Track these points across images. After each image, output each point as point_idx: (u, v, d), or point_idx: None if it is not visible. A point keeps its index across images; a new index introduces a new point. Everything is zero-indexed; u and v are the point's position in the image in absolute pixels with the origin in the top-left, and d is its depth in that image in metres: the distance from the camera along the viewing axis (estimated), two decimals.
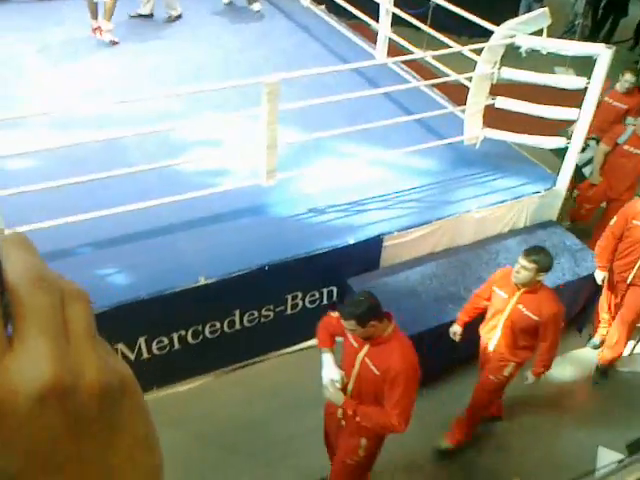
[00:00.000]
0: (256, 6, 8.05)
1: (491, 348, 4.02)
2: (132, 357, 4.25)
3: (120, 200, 4.46)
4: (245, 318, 4.58)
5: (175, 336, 4.35)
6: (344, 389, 3.31)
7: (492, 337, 3.99)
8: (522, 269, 3.68)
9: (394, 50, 7.16)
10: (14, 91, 6.03)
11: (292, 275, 4.57)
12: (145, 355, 4.30)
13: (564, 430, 4.65)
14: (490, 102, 5.34)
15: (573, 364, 5.12)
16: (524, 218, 5.36)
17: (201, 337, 4.46)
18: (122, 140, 4.88)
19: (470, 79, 5.45)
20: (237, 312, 4.52)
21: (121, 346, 4.18)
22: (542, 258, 3.68)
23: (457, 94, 6.06)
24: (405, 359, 3.11)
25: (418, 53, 6.33)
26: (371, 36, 7.56)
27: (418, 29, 6.76)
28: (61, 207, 4.43)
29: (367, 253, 4.83)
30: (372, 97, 5.95)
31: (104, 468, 0.43)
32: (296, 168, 5.10)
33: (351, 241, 4.67)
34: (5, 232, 4.13)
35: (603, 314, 5.15)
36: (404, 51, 6.81)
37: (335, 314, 3.32)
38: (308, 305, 4.80)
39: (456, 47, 5.81)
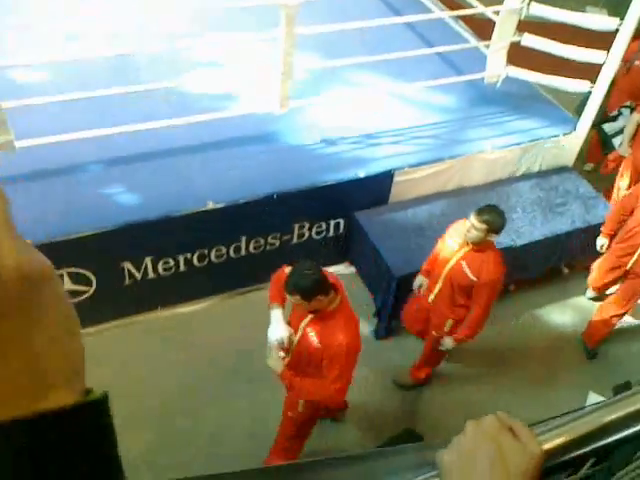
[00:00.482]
0: None
1: (431, 299, 3.90)
2: (138, 276, 4.32)
3: (130, 120, 4.41)
4: (251, 245, 4.61)
5: (181, 258, 4.39)
6: (288, 349, 3.18)
7: (434, 289, 3.87)
8: (472, 228, 3.53)
9: None
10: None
11: (300, 205, 4.56)
12: (151, 275, 4.36)
13: (555, 378, 4.73)
14: (516, 39, 5.14)
15: (574, 311, 5.16)
16: (539, 162, 5.27)
17: (207, 261, 4.51)
18: (134, 60, 4.77)
19: (497, 13, 5.23)
20: (243, 238, 4.54)
21: (128, 265, 4.24)
22: (494, 218, 3.52)
23: (483, 28, 5.84)
24: (348, 335, 2.98)
25: None
26: None
27: None
28: (71, 123, 4.39)
29: (377, 187, 4.79)
30: (394, 27, 5.75)
31: (27, 350, 0.45)
32: (310, 97, 4.99)
33: (361, 174, 4.63)
34: (16, 145, 4.12)
35: (594, 274, 4.95)
36: None
37: (288, 269, 3.08)
38: (314, 236, 4.82)
39: None
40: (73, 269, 4.07)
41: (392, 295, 4.31)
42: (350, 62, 5.00)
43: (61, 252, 3.93)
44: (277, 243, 4.70)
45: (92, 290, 4.22)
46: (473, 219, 3.52)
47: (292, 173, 4.61)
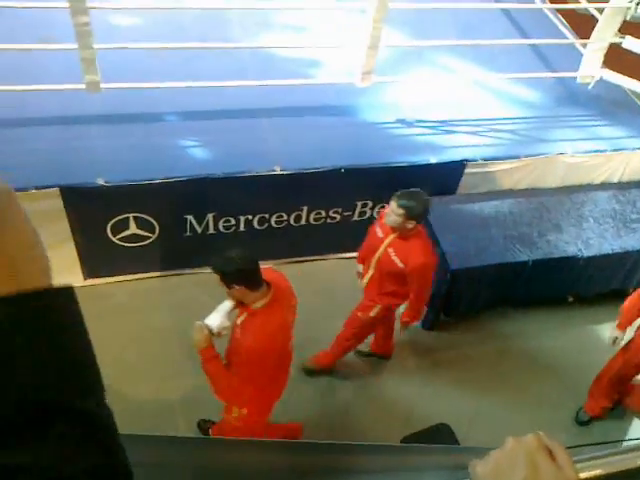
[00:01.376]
0: None
1: (364, 283, 3.82)
2: (199, 230, 4.41)
3: (213, 74, 4.47)
4: (312, 215, 4.62)
5: (242, 219, 4.45)
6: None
7: (366, 274, 3.78)
8: (391, 213, 3.41)
9: None
10: None
11: (366, 183, 4.53)
12: (211, 230, 4.45)
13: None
14: (617, 41, 4.89)
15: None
16: (620, 173, 5.04)
17: (267, 225, 4.55)
18: (225, 14, 4.80)
19: (601, 11, 4.98)
20: (305, 208, 4.56)
21: (190, 217, 4.33)
22: (413, 204, 3.37)
23: (582, 24, 5.58)
24: (261, 342, 2.81)
25: None
26: None
27: None
28: (157, 70, 4.48)
29: (446, 176, 4.70)
30: (489, 12, 5.57)
31: (3, 245, 0.56)
32: (393, 74, 4.91)
33: (432, 160, 4.55)
34: (101, 86, 4.24)
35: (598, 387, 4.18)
36: None
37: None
38: (375, 215, 4.78)
39: None
40: (139, 214, 4.19)
41: (445, 287, 4.26)
42: (438, 44, 4.89)
43: (129, 196, 4.05)
44: (338, 217, 4.69)
45: (154, 237, 4.34)
46: (392, 203, 3.41)
47: (363, 149, 4.57)
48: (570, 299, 4.80)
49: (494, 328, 4.67)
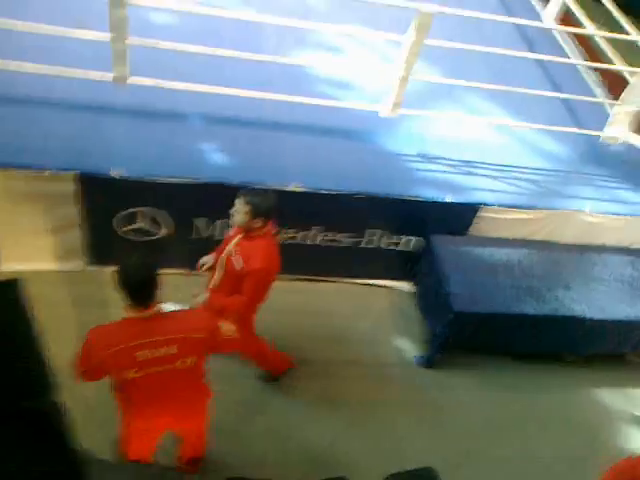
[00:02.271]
0: None
1: (213, 284, 3.60)
2: (205, 235, 4.36)
3: (242, 83, 4.46)
4: (321, 236, 4.57)
5: None
6: None
7: (215, 275, 3.59)
8: (237, 212, 3.28)
9: (565, 16, 6.61)
10: None
11: (379, 212, 4.49)
12: (218, 237, 4.37)
13: None
14: None
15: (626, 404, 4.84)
16: (638, 238, 4.98)
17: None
18: (262, 26, 4.80)
19: (634, 75, 4.98)
20: (315, 228, 4.51)
21: (199, 221, 4.29)
22: (258, 201, 3.25)
23: (615, 84, 5.58)
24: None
25: (589, 28, 5.81)
26: None
27: (600, 1, 6.17)
28: (185, 71, 4.47)
29: (460, 216, 4.66)
30: (523, 59, 5.58)
31: None
32: (421, 108, 4.89)
33: (448, 199, 4.50)
34: (128, 80, 4.23)
35: None
36: (574, 21, 6.26)
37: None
38: (383, 246, 4.73)
39: (633, 36, 5.29)
40: (149, 209, 4.15)
41: (446, 327, 4.19)
42: (469, 84, 4.87)
43: (142, 191, 4.02)
44: (346, 242, 4.64)
45: (160, 235, 4.30)
46: (237, 201, 3.28)
47: (381, 178, 4.54)
48: (570, 357, 4.72)
49: (491, 376, 4.58)
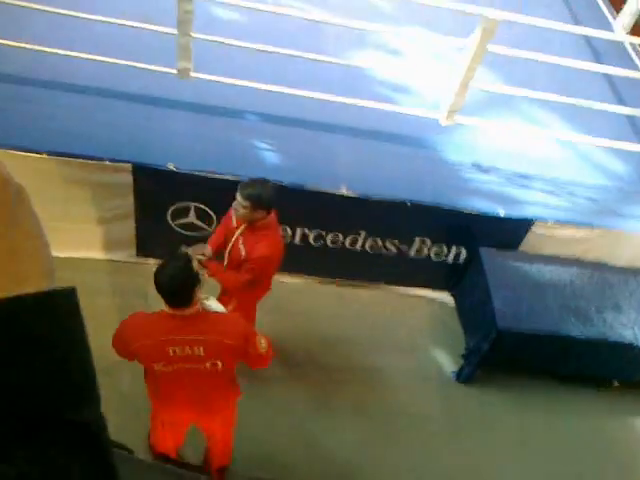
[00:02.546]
0: None
1: (220, 276, 3.56)
2: None
3: (299, 82, 4.48)
4: (368, 242, 4.56)
5: (299, 231, 4.43)
6: None
7: (223, 266, 3.58)
8: (238, 205, 3.25)
9: (638, 29, 6.37)
10: None
11: (430, 221, 4.45)
12: None
13: None
14: None
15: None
16: None
17: (321, 242, 4.52)
18: (323, 27, 4.80)
19: None
20: (363, 233, 4.51)
21: None
22: (258, 192, 3.22)
23: None
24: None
25: None
26: (619, 2, 6.74)
27: None
28: (245, 68, 4.52)
29: (512, 231, 4.57)
30: (589, 71, 5.40)
31: (10, 242, 0.56)
32: (479, 116, 4.81)
33: (501, 213, 4.42)
34: (191, 74, 4.30)
35: None
36: None
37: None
38: (432, 256, 4.69)
39: None
40: (201, 205, 4.23)
41: (488, 344, 4.13)
42: (532, 95, 4.75)
43: (196, 185, 4.09)
44: (393, 249, 4.62)
45: (211, 230, 4.37)
46: (237, 195, 3.24)
47: (433, 187, 4.49)
48: (616, 384, 4.59)
49: (531, 397, 4.48)
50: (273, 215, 3.41)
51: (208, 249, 3.53)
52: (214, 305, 2.96)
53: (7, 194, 0.57)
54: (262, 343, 2.91)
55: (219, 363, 2.82)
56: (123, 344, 2.80)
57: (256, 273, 3.39)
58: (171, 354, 2.74)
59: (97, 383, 0.61)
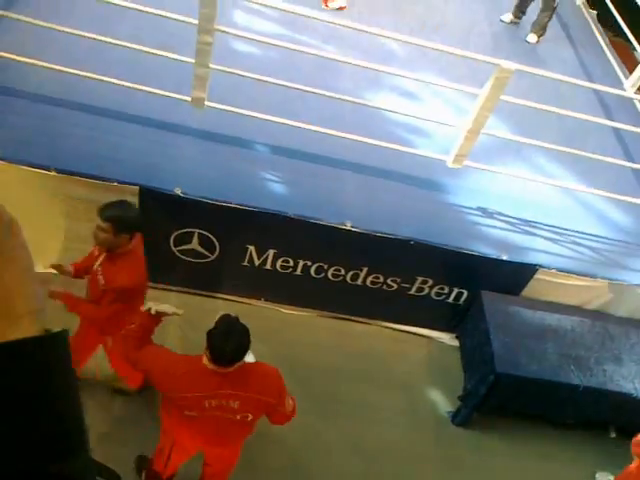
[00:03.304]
0: (532, 37, 6.92)
1: (79, 309, 3.32)
2: (256, 262, 4.41)
3: (311, 117, 4.53)
4: (370, 278, 4.55)
5: (301, 263, 4.43)
6: None
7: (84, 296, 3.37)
8: (98, 229, 3.01)
9: None
10: None
11: (432, 261, 4.44)
12: (268, 266, 4.44)
13: None
14: None
15: None
16: None
17: (323, 274, 4.51)
18: (339, 65, 4.89)
19: None
20: (365, 269, 4.50)
21: (252, 248, 4.34)
22: (120, 214, 3.00)
23: None
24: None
25: None
26: (632, 62, 6.87)
27: None
28: (259, 100, 4.59)
29: (515, 276, 4.56)
30: (597, 125, 5.46)
31: (2, 279, 0.55)
32: (487, 162, 4.85)
33: (504, 257, 4.42)
34: (206, 103, 4.37)
35: None
36: None
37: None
38: (433, 295, 4.67)
39: None
40: (205, 232, 4.24)
41: (485, 387, 4.07)
42: (539, 144, 4.80)
43: (201, 212, 4.11)
44: (395, 287, 4.60)
45: (212, 258, 4.37)
46: (97, 218, 3.00)
47: (437, 227, 4.51)
48: (613, 434, 4.49)
49: (527, 443, 4.40)
50: (138, 241, 3.21)
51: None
52: (249, 357, 2.93)
53: None
54: (290, 402, 2.91)
55: (250, 416, 2.82)
56: (159, 384, 2.80)
57: (119, 305, 3.15)
58: (206, 406, 2.74)
59: (85, 427, 0.59)
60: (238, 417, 2.80)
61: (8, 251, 0.57)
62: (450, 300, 4.72)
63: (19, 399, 0.53)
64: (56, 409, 0.56)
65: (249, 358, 2.88)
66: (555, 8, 6.72)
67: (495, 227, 4.68)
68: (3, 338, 0.54)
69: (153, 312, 2.85)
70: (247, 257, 4.39)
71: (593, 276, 4.55)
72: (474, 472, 4.19)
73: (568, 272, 4.51)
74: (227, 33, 4.28)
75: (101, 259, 3.24)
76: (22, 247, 0.59)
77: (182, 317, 3.04)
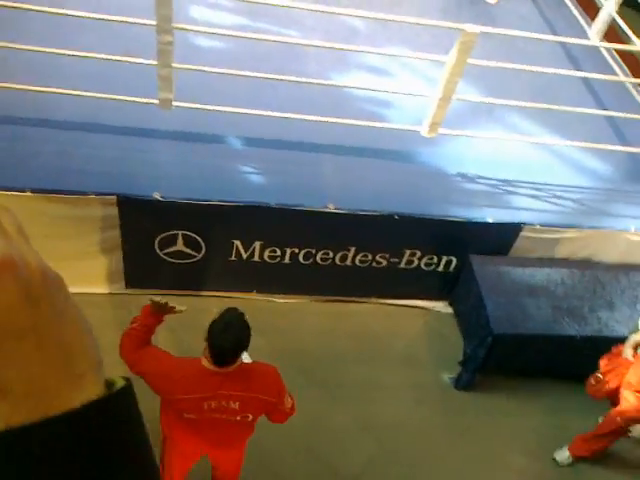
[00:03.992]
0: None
1: None
2: (244, 256, 4.42)
3: (282, 105, 4.52)
4: (358, 257, 4.58)
5: (288, 251, 4.45)
6: None
7: None
8: None
9: (612, 33, 6.48)
10: None
11: (418, 232, 4.47)
12: (256, 258, 4.45)
13: None
14: None
15: None
16: None
17: (311, 260, 4.53)
18: (303, 48, 4.88)
19: None
20: (353, 249, 4.52)
21: (238, 243, 4.35)
22: None
23: None
24: None
25: (638, 44, 5.67)
26: (593, 10, 6.87)
27: None
28: (227, 94, 4.57)
29: (501, 236, 4.59)
30: (567, 77, 5.49)
31: (60, 342, 0.52)
32: (460, 128, 4.86)
33: (489, 219, 4.45)
34: (173, 104, 4.35)
35: None
36: (623, 38, 6.13)
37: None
38: (423, 266, 4.70)
39: None
40: (188, 232, 4.24)
41: (484, 349, 4.12)
42: (510, 104, 4.81)
43: (182, 213, 4.11)
44: (384, 263, 4.63)
45: (199, 257, 4.38)
46: None
47: (419, 198, 4.53)
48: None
49: (532, 399, 4.47)
50: None
51: None
52: (246, 358, 2.94)
53: (47, 288, 0.51)
54: (289, 400, 2.92)
55: (250, 416, 2.84)
56: (157, 387, 2.78)
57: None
58: (205, 408, 2.75)
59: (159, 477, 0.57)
60: (238, 418, 2.82)
61: (62, 310, 0.53)
62: (440, 269, 4.76)
63: (96, 467, 0.50)
64: (134, 469, 0.54)
65: (246, 359, 2.91)
66: None
67: (476, 191, 4.71)
68: (69, 404, 0.50)
69: (158, 299, 2.84)
70: (234, 252, 4.40)
71: (577, 227, 4.59)
72: (485, 435, 4.25)
73: (552, 226, 4.55)
74: (186, 30, 4.25)
75: None
76: (72, 304, 0.55)
77: (174, 318, 3.04)
